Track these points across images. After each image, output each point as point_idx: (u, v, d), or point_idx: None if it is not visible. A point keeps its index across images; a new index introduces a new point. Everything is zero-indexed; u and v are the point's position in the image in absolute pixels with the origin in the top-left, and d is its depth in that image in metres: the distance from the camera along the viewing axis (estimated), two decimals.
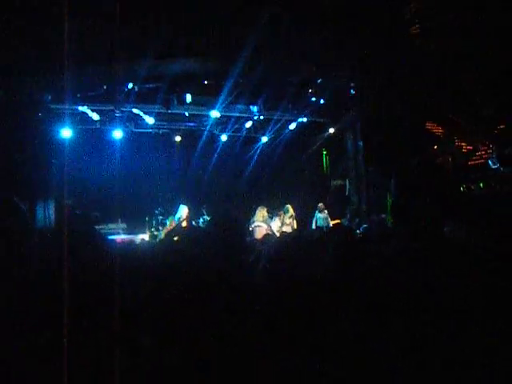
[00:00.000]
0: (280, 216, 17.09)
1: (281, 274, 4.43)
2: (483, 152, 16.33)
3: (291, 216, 17.24)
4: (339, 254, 4.77)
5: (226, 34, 13.73)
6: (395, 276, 4.05)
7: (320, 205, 17.79)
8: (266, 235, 11.88)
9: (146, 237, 16.86)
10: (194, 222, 16.77)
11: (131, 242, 9.22)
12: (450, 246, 4.84)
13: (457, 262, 4.17)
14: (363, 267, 4.43)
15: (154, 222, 17.69)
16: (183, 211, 16.70)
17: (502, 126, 15.55)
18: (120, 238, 15.02)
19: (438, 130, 17.41)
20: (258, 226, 16.13)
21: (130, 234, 16.83)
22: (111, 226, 16.61)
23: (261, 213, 16.53)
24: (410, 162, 14.75)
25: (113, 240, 9.12)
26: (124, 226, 17.45)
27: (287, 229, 16.28)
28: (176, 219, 16.42)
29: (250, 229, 16.12)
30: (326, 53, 14.83)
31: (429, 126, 17.39)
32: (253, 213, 16.67)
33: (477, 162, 16.49)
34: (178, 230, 8.30)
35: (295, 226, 17.14)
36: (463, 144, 16.96)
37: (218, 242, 5.40)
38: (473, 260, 4.19)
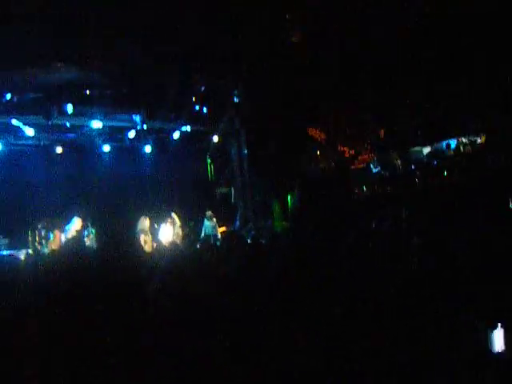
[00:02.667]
0: (168, 225, 16.90)
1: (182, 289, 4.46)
2: (365, 156, 16.86)
3: (179, 225, 17.12)
4: (239, 263, 4.84)
5: (107, 43, 13.56)
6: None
7: (208, 213, 17.75)
8: (157, 247, 11.83)
9: (29, 252, 16.34)
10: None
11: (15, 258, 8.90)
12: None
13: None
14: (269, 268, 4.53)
15: (36, 237, 17.16)
16: (76, 223, 16.30)
17: (381, 131, 16.12)
18: (1, 254, 14.52)
19: (321, 136, 17.82)
20: (140, 235, 15.90)
21: (12, 249, 16.27)
22: None
23: (143, 222, 16.34)
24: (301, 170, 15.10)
25: None
26: (6, 241, 16.86)
27: (174, 238, 16.14)
28: (65, 231, 15.97)
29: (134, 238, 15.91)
30: (209, 62, 14.92)
31: (311, 132, 17.78)
32: (136, 222, 16.44)
33: (359, 166, 17.01)
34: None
35: (181, 235, 17.00)
36: (345, 149, 17.44)
37: (108, 258, 5.35)
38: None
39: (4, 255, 13.70)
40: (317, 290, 4.12)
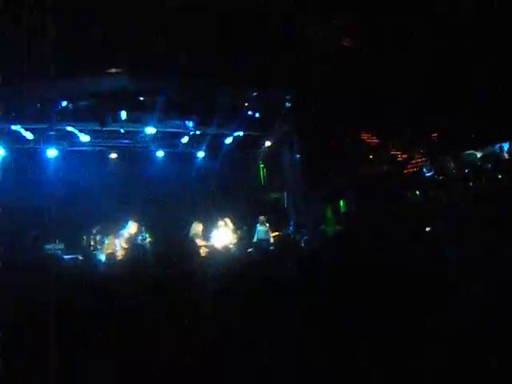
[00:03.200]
0: (220, 229, 16.90)
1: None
2: (418, 160, 16.68)
3: (232, 230, 17.14)
4: (292, 267, 4.82)
5: (161, 51, 13.67)
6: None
7: (261, 218, 17.73)
8: (211, 252, 11.88)
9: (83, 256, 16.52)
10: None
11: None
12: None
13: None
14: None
15: (91, 241, 17.36)
16: (132, 228, 16.46)
17: (435, 135, 15.92)
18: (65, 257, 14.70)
19: (373, 141, 17.70)
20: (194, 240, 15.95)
21: (67, 254, 16.51)
22: (48, 246, 16.28)
23: (196, 227, 16.40)
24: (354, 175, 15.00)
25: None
26: (61, 246, 17.11)
27: (227, 243, 16.13)
28: (120, 236, 16.11)
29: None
30: (261, 69, 14.92)
31: (364, 136, 17.67)
32: (189, 227, 16.51)
33: (411, 170, 16.84)
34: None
35: (235, 240, 17.00)
36: (398, 153, 17.28)
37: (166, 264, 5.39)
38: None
39: (71, 258, 13.90)
40: (372, 296, 4.04)
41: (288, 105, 17.70)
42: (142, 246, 13.37)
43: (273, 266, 5.57)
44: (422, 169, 16.11)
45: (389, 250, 4.72)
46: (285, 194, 20.41)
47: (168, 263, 5.52)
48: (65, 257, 14.91)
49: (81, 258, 14.41)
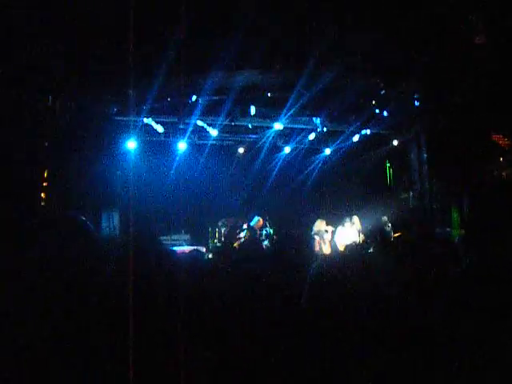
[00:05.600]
0: (345, 228, 16.72)
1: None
2: None
3: (358, 229, 16.96)
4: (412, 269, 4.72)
5: (290, 46, 13.70)
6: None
7: (384, 218, 17.48)
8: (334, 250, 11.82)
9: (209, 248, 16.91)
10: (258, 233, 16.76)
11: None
12: None
13: None
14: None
15: (216, 234, 17.73)
16: (258, 222, 16.71)
17: None
18: (182, 249, 15.09)
19: (504, 142, 17.09)
20: (316, 237, 15.89)
21: (192, 245, 16.93)
22: (174, 236, 16.77)
23: (319, 224, 16.34)
24: (481, 177, 14.50)
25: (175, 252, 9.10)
26: (187, 237, 17.57)
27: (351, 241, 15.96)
28: (246, 229, 16.37)
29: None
30: (391, 65, 14.69)
31: (495, 137, 17.08)
32: (312, 224, 16.49)
33: None
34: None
35: (361, 240, 16.78)
36: None
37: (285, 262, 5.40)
38: None
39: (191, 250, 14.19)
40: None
41: (417, 104, 17.35)
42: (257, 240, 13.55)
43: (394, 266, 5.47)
44: None
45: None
46: (411, 194, 20.05)
47: (286, 259, 5.54)
48: (183, 248, 15.35)
49: (203, 249, 14.84)
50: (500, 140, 17.04)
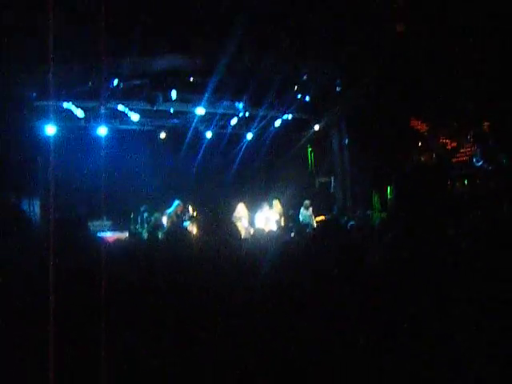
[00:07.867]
0: (264, 212, 16.84)
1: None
2: (467, 149, 16.43)
3: (279, 213, 17.11)
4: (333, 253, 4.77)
5: (212, 31, 13.64)
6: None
7: (306, 202, 17.69)
8: (252, 234, 11.87)
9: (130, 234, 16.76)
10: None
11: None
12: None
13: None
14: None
15: (138, 219, 17.57)
16: (178, 207, 16.61)
17: (486, 123, 15.63)
18: (107, 235, 14.93)
19: (423, 127, 17.50)
20: (237, 221, 15.91)
21: (114, 231, 16.77)
22: (96, 223, 16.54)
23: (241, 208, 16.42)
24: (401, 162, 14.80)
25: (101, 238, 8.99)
26: (109, 223, 17.37)
27: (272, 226, 16.09)
28: (168, 214, 16.28)
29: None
30: (312, 50, 14.81)
31: (413, 123, 17.48)
32: (234, 208, 16.53)
33: (461, 159, 16.60)
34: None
35: (282, 224, 16.91)
36: (447, 141, 17.06)
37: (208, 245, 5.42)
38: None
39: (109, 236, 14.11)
40: (415, 289, 3.94)
41: (338, 89, 17.57)
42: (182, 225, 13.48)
43: (313, 252, 5.52)
44: (471, 158, 15.85)
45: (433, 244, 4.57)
46: (332, 178, 20.34)
47: (210, 244, 5.55)
48: (108, 234, 15.21)
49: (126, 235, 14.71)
50: (419, 125, 17.45)
